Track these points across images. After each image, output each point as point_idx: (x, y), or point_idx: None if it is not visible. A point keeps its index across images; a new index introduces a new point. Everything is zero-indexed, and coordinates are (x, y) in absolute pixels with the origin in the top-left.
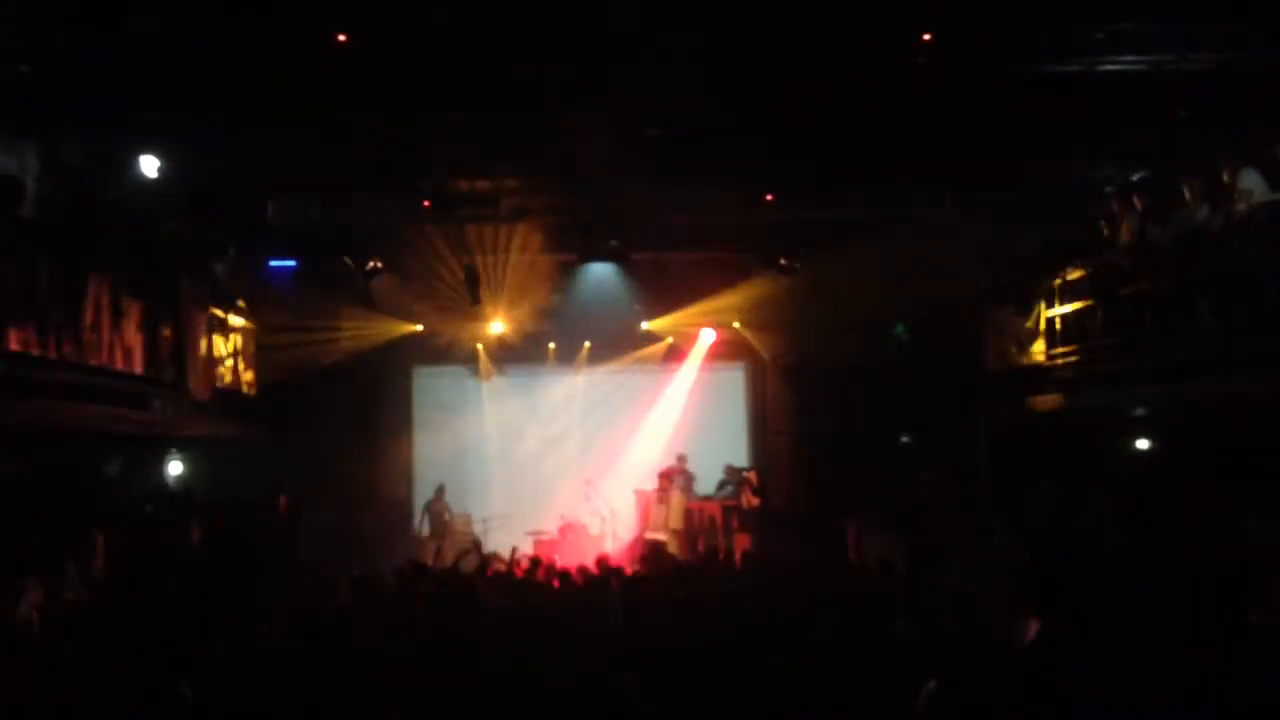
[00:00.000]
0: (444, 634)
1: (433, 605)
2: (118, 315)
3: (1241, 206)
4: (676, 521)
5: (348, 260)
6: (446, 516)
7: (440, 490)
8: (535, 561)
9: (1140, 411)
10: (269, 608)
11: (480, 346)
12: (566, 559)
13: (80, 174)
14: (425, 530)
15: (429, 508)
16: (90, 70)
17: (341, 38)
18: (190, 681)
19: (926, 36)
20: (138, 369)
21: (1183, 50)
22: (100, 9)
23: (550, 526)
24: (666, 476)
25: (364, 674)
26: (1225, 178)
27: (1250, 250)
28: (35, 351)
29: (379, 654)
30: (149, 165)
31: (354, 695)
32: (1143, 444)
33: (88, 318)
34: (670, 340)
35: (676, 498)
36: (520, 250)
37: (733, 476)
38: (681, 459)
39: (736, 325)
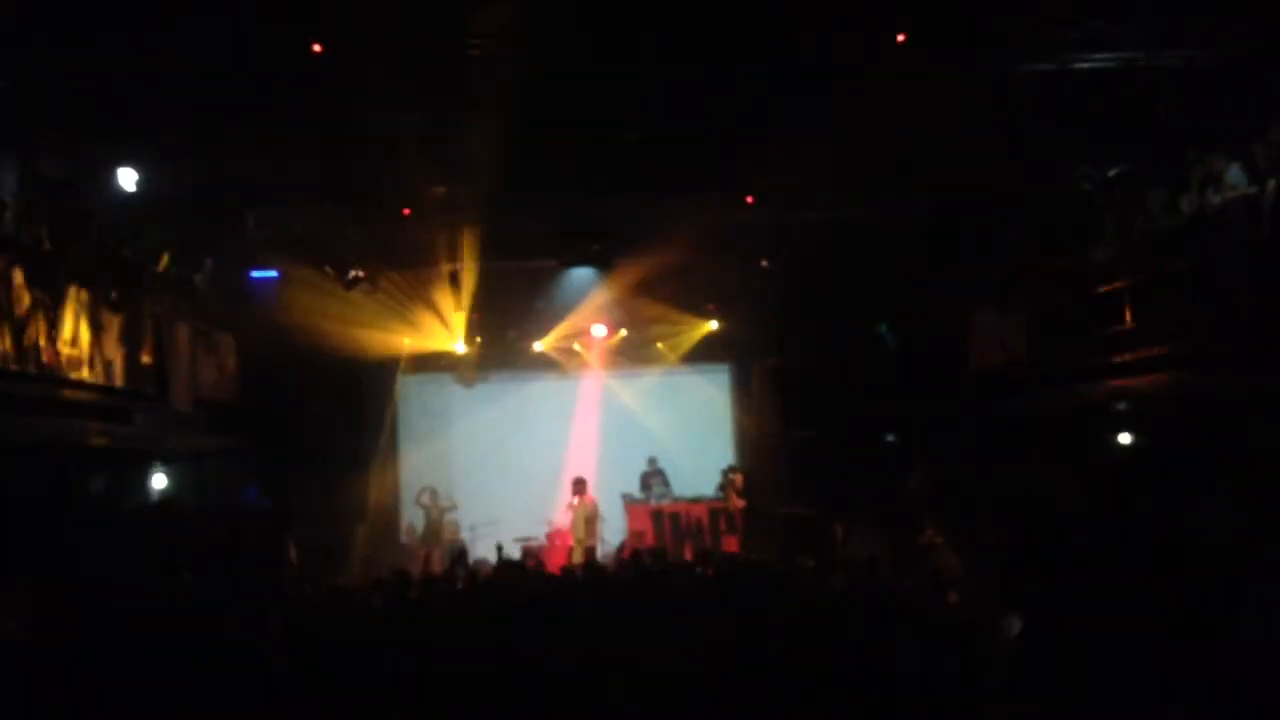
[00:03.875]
0: (430, 640)
1: (419, 612)
2: (97, 329)
3: (1216, 199)
4: (582, 532)
5: (329, 270)
6: (443, 528)
7: (434, 493)
8: (519, 565)
9: (1122, 407)
10: (258, 619)
11: (465, 352)
12: (555, 564)
13: (59, 188)
14: (419, 529)
15: (427, 515)
16: (68, 84)
17: (317, 48)
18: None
19: (901, 37)
20: (118, 382)
21: (1153, 47)
22: (77, 23)
23: (538, 532)
24: (578, 483)
25: (354, 683)
26: (1215, 171)
27: (1226, 244)
28: (14, 366)
29: (368, 662)
30: (127, 178)
31: (344, 704)
32: (1125, 439)
33: (67, 332)
34: (661, 345)
35: (582, 507)
36: (503, 256)
37: (723, 478)
38: (652, 462)
39: (712, 325)
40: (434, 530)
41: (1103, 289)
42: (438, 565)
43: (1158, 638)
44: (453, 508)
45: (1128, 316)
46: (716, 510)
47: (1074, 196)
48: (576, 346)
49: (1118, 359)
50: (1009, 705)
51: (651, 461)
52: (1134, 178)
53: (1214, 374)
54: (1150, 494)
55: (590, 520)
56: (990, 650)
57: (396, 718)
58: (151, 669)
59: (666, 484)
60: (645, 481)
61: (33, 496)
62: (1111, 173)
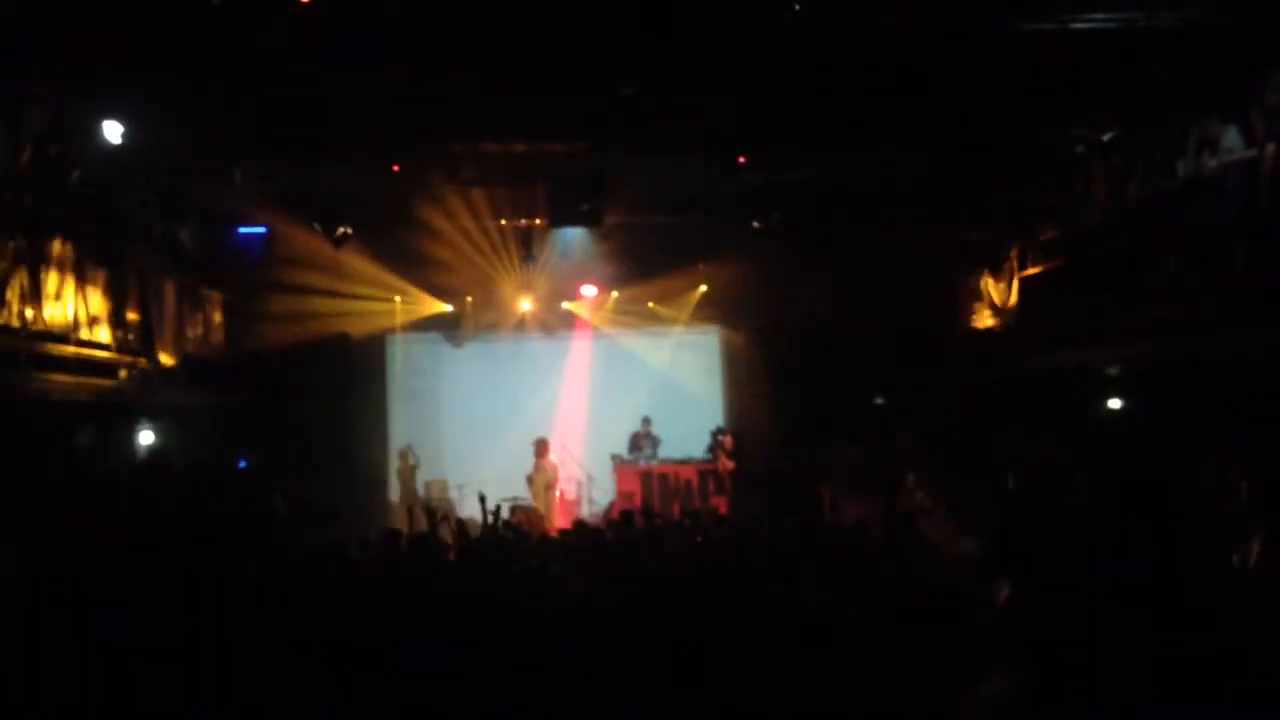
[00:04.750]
0: (418, 598)
1: (407, 570)
2: (83, 283)
3: (1212, 163)
4: (542, 500)
5: (318, 226)
6: (415, 484)
7: (404, 454)
8: (511, 524)
9: (1112, 371)
10: (245, 576)
11: (455, 311)
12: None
13: (43, 140)
14: (396, 496)
15: (398, 473)
16: (52, 33)
17: None
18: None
19: None
20: (104, 338)
21: (1152, 8)
22: None
23: (527, 492)
24: (539, 445)
25: (341, 640)
26: (1211, 135)
27: (1222, 208)
28: None
29: (356, 619)
30: (113, 131)
31: (330, 661)
32: (1115, 404)
33: (51, 287)
34: (652, 304)
35: (545, 470)
36: (493, 215)
37: (712, 439)
38: (646, 422)
39: (703, 288)
40: (407, 488)
41: (1096, 253)
42: (422, 523)
43: (1147, 603)
44: (418, 464)
45: (1121, 281)
46: (706, 471)
47: (1068, 159)
48: (566, 305)
49: (1110, 323)
50: (996, 669)
51: (645, 422)
52: (1130, 141)
53: (1208, 339)
54: (1141, 458)
55: (550, 486)
56: (977, 614)
57: (380, 673)
58: (136, 625)
59: (655, 446)
60: (635, 442)
61: (16, 452)
62: (1107, 136)
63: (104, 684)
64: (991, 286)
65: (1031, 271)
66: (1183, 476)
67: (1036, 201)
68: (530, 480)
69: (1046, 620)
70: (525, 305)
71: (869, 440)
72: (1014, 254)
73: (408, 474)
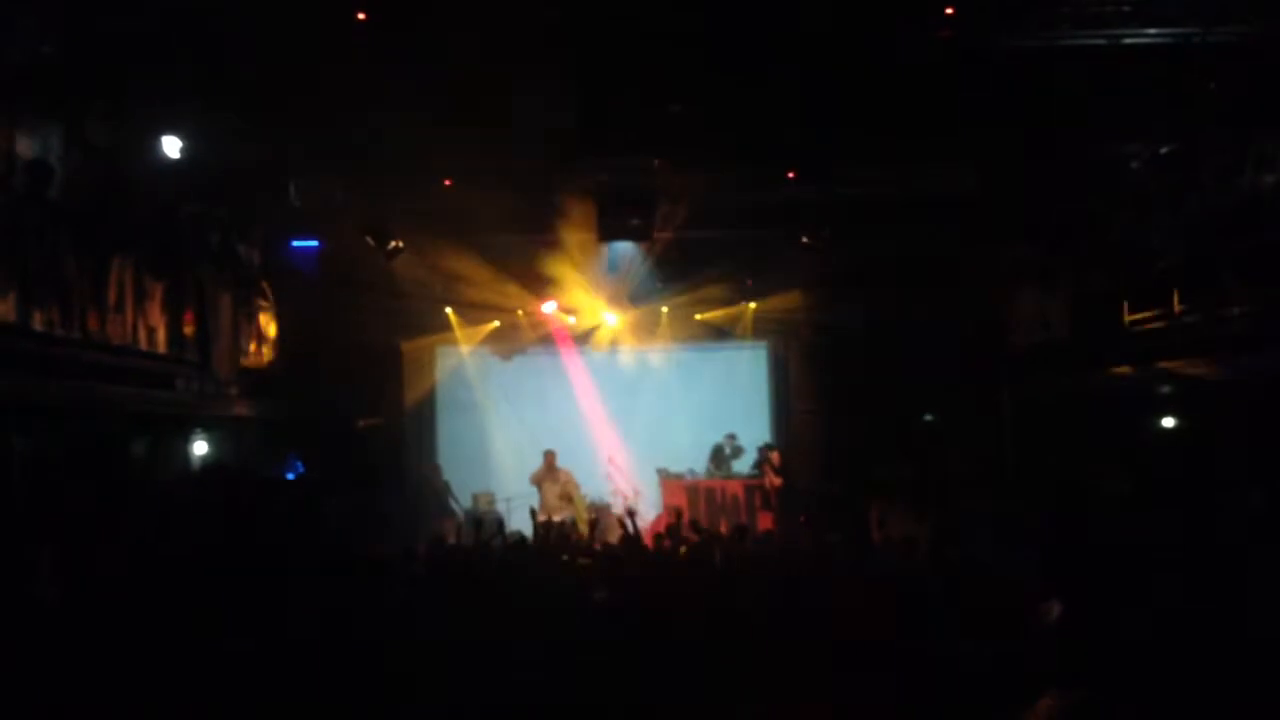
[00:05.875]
0: (466, 611)
1: (457, 582)
2: (141, 296)
3: (1271, 179)
4: (582, 509)
5: (370, 240)
6: (450, 498)
7: (435, 468)
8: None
9: (1166, 389)
10: (296, 587)
11: (503, 325)
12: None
13: (104, 155)
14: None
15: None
16: (113, 50)
17: (361, 16)
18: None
19: (950, 10)
20: (161, 349)
21: (1208, 22)
22: None
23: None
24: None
25: (392, 651)
26: (1269, 150)
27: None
28: (59, 332)
29: (404, 632)
30: (172, 146)
31: (380, 671)
32: (1169, 421)
33: (111, 298)
34: (700, 317)
35: (564, 478)
36: (541, 229)
37: (759, 455)
38: (731, 437)
39: (752, 305)
40: (440, 501)
41: (1150, 269)
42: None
43: (1201, 622)
44: (481, 496)
45: (1175, 297)
46: (752, 487)
47: (1123, 174)
48: (613, 320)
49: (1165, 340)
50: (1048, 689)
51: (730, 437)
52: (1186, 156)
53: (1264, 356)
54: (1195, 478)
55: (564, 496)
56: (1029, 634)
57: (425, 682)
58: (187, 633)
59: (732, 462)
60: (718, 455)
61: (75, 461)
62: (1163, 151)
63: (145, 684)
64: (1043, 302)
65: (1085, 287)
66: (1239, 494)
67: (1090, 216)
68: (547, 493)
69: (1099, 639)
70: (573, 319)
71: (918, 457)
72: (1067, 269)
73: (441, 485)
